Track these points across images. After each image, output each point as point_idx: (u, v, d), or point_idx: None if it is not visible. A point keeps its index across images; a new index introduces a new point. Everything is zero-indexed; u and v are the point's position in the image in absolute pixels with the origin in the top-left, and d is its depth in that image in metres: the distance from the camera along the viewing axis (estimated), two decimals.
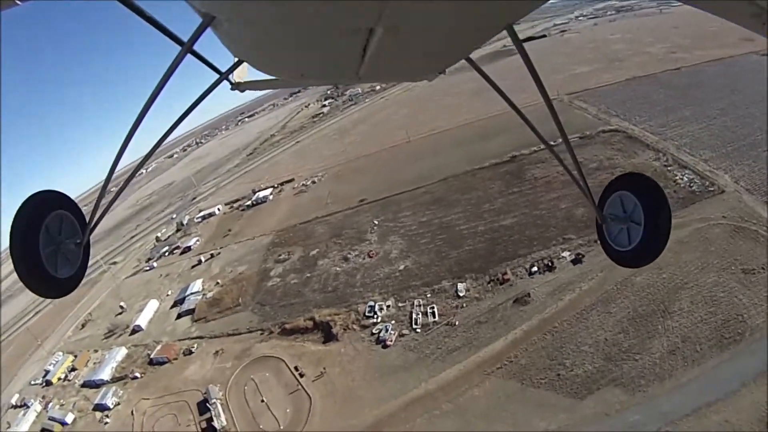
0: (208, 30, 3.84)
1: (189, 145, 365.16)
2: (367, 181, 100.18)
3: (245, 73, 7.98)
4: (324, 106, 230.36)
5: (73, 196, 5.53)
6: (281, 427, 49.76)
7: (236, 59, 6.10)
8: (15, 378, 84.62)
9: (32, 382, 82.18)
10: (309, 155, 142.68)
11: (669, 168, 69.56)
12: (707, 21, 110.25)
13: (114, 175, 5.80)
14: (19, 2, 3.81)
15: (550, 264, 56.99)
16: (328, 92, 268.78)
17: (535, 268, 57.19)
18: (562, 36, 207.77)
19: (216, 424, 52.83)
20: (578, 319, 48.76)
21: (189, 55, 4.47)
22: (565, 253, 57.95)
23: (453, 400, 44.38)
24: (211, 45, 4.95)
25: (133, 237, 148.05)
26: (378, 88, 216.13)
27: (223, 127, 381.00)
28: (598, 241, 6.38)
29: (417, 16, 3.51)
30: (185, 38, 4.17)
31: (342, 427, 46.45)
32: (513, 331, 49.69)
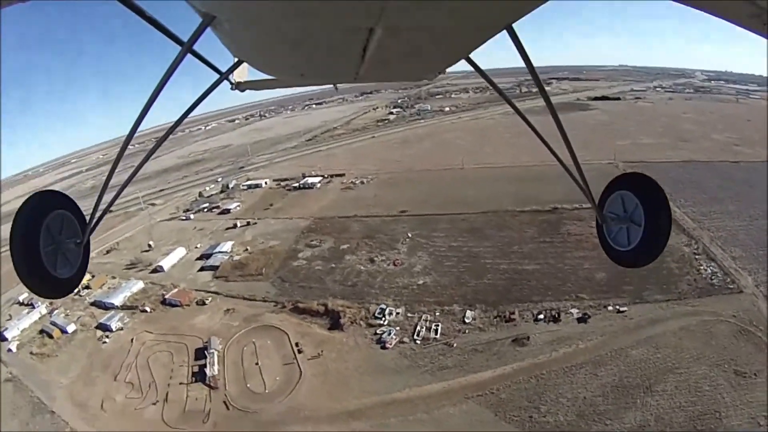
0: (208, 30, 3.92)
1: (252, 115, 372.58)
2: (412, 195, 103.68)
3: (245, 73, 8.45)
4: (391, 113, 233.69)
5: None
6: (266, 391, 53.62)
7: (236, 59, 6.18)
8: None
9: None
10: (365, 156, 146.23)
11: (697, 256, 70.42)
12: None
13: (113, 177, 6.08)
14: (19, 1, 3.84)
15: (556, 316, 59.41)
16: (399, 101, 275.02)
17: (541, 316, 59.68)
18: (636, 103, 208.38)
19: (208, 371, 56.94)
20: (566, 372, 50.92)
21: (189, 55, 4.54)
22: (574, 310, 60.17)
23: (429, 412, 47.44)
24: (211, 45, 4.94)
25: (177, 185, 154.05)
26: (447, 109, 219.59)
27: (290, 107, 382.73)
28: (598, 241, 6.60)
29: (417, 16, 3.57)
30: (185, 38, 4.24)
31: (322, 406, 50.11)
32: (503, 366, 52.30)
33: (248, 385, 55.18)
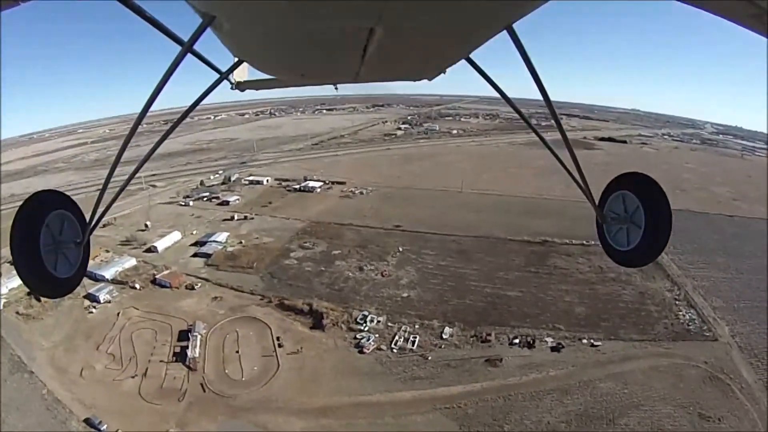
0: (208, 30, 3.91)
1: (262, 112, 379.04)
2: (408, 212, 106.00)
3: (245, 73, 8.50)
4: (399, 128, 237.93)
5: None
6: (242, 379, 55.34)
7: (236, 59, 6.13)
8: None
9: None
10: (367, 168, 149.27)
11: (677, 302, 72.18)
12: None
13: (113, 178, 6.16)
14: (19, 2, 3.81)
15: (531, 342, 60.99)
16: (409, 117, 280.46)
17: (517, 340, 61.29)
18: (641, 147, 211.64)
19: (189, 353, 58.82)
20: (533, 396, 52.40)
21: (189, 55, 4.54)
22: (549, 339, 61.72)
23: (396, 417, 48.99)
24: (211, 45, 4.97)
25: (180, 171, 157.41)
26: (454, 132, 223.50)
27: (301, 108, 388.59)
28: (598, 240, 6.53)
29: (417, 16, 3.57)
30: (185, 38, 4.24)
31: (294, 400, 51.64)
32: (474, 383, 53.85)
33: (226, 371, 56.80)
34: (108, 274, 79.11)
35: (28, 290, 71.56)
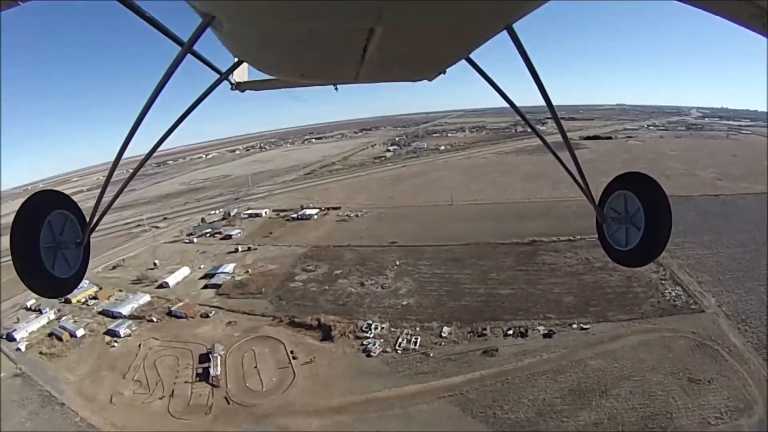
0: (208, 30, 3.93)
1: (252, 146, 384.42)
2: (403, 228, 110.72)
3: (245, 73, 8.48)
4: (388, 150, 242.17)
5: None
6: (263, 389, 59.77)
7: (236, 59, 6.14)
8: None
9: None
10: (360, 191, 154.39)
11: (663, 281, 75.72)
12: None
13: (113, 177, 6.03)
14: (19, 2, 3.86)
15: (524, 332, 65.32)
16: (396, 138, 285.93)
17: (510, 332, 65.60)
18: (627, 141, 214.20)
19: (211, 372, 63.10)
20: (528, 378, 56.68)
21: (189, 55, 4.56)
22: (541, 327, 66.05)
23: (404, 408, 53.43)
24: (211, 45, 4.92)
25: (180, 211, 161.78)
26: (442, 148, 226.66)
27: (290, 140, 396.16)
28: (598, 240, 6.63)
29: (417, 16, 3.56)
30: (185, 38, 4.24)
31: (311, 403, 56.09)
32: (473, 372, 58.24)
33: (247, 384, 61.19)
34: (125, 310, 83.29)
35: (48, 332, 79.61)
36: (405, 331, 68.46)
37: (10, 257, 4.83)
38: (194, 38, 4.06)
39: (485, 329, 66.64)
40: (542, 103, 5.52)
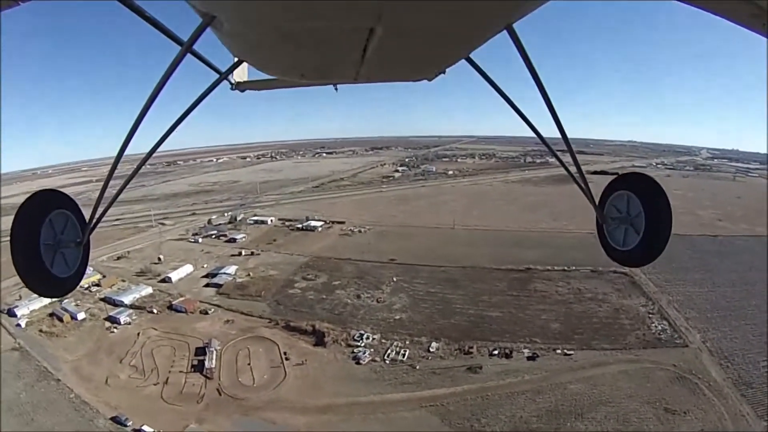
0: (208, 30, 3.95)
1: (264, 155, 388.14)
2: (403, 247, 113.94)
3: (245, 73, 8.65)
4: (397, 170, 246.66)
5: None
6: (254, 385, 62.82)
7: (236, 59, 6.16)
8: None
9: None
10: (365, 208, 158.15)
11: (651, 315, 77.83)
12: None
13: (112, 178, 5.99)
14: (19, 2, 3.85)
15: (509, 353, 67.87)
16: (407, 159, 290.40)
17: (496, 352, 68.17)
18: None
19: (206, 364, 66.45)
20: (509, 396, 59.22)
21: (189, 55, 4.58)
22: (525, 350, 68.54)
23: (387, 414, 56.26)
24: (211, 45, 4.97)
25: (186, 210, 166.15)
26: (450, 172, 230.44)
27: (301, 152, 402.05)
28: (598, 240, 6.55)
29: (417, 16, 3.56)
30: (185, 38, 4.26)
31: (299, 401, 58.94)
32: (456, 386, 60.88)
33: (239, 379, 64.29)
34: (127, 300, 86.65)
35: (50, 312, 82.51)
36: (395, 343, 71.25)
37: (10, 257, 4.79)
38: (194, 38, 4.13)
39: (472, 347, 69.20)
40: (551, 135, 5.90)
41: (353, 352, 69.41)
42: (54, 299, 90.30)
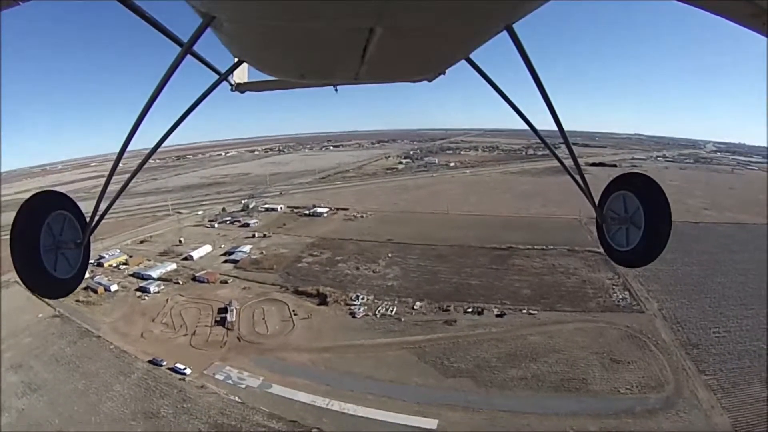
0: (209, 30, 3.96)
1: (271, 149, 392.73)
2: (400, 229, 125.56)
3: (245, 73, 8.84)
4: (401, 163, 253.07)
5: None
6: (267, 333, 75.38)
7: (236, 60, 6.26)
8: None
9: None
10: (368, 197, 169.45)
11: (615, 287, 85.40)
12: (764, 191, 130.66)
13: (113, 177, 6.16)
14: (19, 2, 3.90)
15: (480, 311, 79.48)
16: (411, 152, 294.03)
17: (470, 310, 79.80)
18: (631, 170, 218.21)
19: (228, 318, 78.43)
20: (475, 342, 70.58)
21: (189, 56, 4.61)
22: (495, 309, 79.87)
23: (374, 354, 68.41)
24: (211, 45, 4.98)
25: (200, 201, 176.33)
26: (452, 164, 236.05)
27: (308, 145, 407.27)
28: (597, 240, 6.80)
29: (417, 16, 3.58)
30: (185, 38, 4.27)
31: (305, 344, 71.39)
32: (432, 334, 72.75)
33: (256, 330, 76.85)
34: (154, 274, 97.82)
35: (84, 286, 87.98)
36: (385, 302, 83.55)
37: (10, 257, 4.87)
38: (194, 38, 4.13)
39: (450, 306, 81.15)
40: (549, 127, 6.28)
41: (350, 309, 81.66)
42: (52, 298, 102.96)
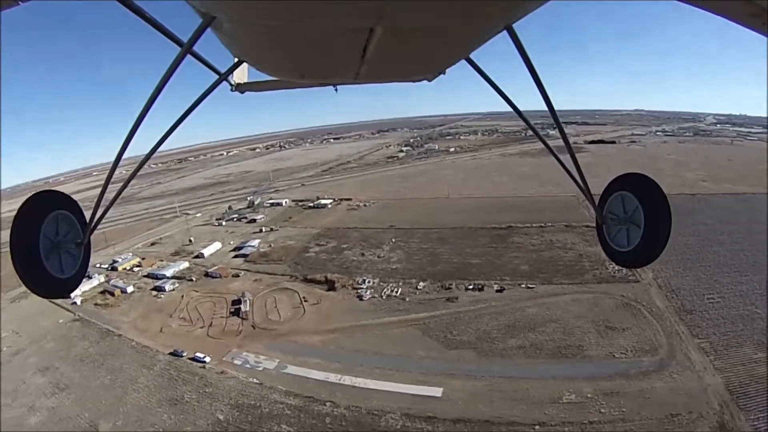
0: (209, 30, 3.99)
1: (272, 145, 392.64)
2: (402, 215, 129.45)
3: (245, 74, 8.88)
4: (401, 151, 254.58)
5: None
6: (280, 320, 79.59)
7: (236, 60, 6.27)
8: None
9: (98, 265, 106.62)
10: (371, 186, 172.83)
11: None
12: (762, 161, 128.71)
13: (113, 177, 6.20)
14: (19, 2, 3.92)
15: (481, 287, 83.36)
16: (411, 140, 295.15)
17: (471, 287, 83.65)
18: (629, 146, 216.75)
19: (242, 308, 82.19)
20: (476, 316, 74.34)
21: (189, 56, 4.63)
22: (495, 285, 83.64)
23: (381, 331, 72.71)
24: (211, 45, 4.98)
25: (206, 201, 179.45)
26: (452, 150, 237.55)
27: (309, 140, 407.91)
28: (598, 241, 6.89)
29: (417, 16, 3.60)
30: (185, 38, 4.29)
31: (315, 327, 75.65)
32: (435, 311, 76.75)
33: (269, 317, 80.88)
34: (168, 273, 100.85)
35: (101, 290, 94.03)
36: (390, 284, 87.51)
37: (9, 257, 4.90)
38: (194, 38, 4.15)
39: (452, 285, 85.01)
40: (570, 107, 9.38)
41: (358, 293, 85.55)
42: (102, 267, 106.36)
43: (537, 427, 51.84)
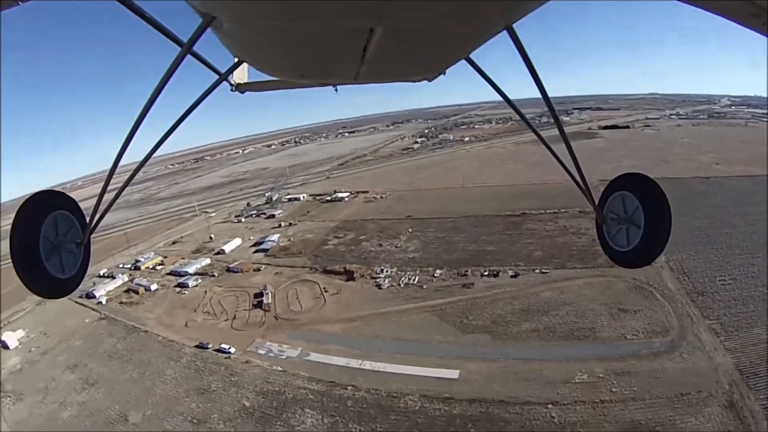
0: (209, 30, 3.99)
1: (287, 141, 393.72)
2: (418, 206, 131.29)
3: (245, 74, 8.87)
4: (416, 142, 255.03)
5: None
6: (301, 310, 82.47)
7: (236, 60, 6.25)
8: (105, 261, 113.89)
9: (121, 266, 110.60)
10: (386, 178, 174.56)
11: None
12: None
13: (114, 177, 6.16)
14: (19, 2, 3.91)
15: (496, 273, 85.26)
16: (425, 131, 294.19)
17: (486, 273, 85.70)
18: (643, 131, 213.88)
19: (264, 300, 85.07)
20: (492, 302, 76.36)
21: (189, 56, 4.62)
22: (510, 271, 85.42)
23: (399, 318, 75.26)
24: (211, 45, 4.97)
25: (224, 198, 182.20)
26: (467, 139, 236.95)
27: (324, 134, 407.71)
28: (598, 240, 6.91)
29: (417, 16, 3.61)
30: (185, 38, 4.28)
31: (335, 316, 78.40)
32: (452, 297, 79.03)
33: (291, 308, 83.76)
34: (191, 269, 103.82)
35: (125, 289, 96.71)
36: (408, 273, 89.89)
37: (9, 258, 4.89)
38: (194, 39, 4.14)
39: (467, 272, 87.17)
40: (565, 94, 9.79)
41: (376, 282, 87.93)
42: (126, 267, 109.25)
43: (550, 405, 54.00)
